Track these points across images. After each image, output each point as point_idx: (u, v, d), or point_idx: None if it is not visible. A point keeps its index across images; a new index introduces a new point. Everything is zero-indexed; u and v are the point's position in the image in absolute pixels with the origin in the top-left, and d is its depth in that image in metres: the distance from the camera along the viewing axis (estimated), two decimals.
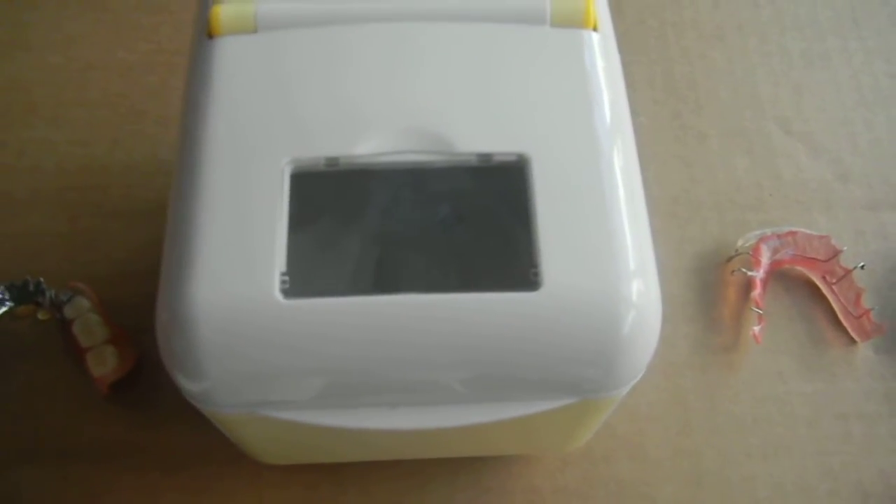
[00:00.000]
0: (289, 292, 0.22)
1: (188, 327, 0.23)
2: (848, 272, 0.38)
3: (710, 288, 0.39)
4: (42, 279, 0.37)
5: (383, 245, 0.26)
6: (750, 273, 0.38)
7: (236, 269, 0.22)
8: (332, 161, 0.24)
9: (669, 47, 0.46)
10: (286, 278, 0.22)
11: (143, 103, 0.44)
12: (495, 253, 0.25)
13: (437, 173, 0.24)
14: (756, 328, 0.37)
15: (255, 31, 0.26)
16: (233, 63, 0.25)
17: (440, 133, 0.24)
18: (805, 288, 0.39)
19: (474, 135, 0.24)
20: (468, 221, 0.26)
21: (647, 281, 0.24)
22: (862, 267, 0.38)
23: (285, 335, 0.22)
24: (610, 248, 0.23)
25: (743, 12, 0.47)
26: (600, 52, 0.27)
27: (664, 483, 0.35)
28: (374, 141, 0.24)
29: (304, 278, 0.23)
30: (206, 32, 0.26)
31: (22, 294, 0.37)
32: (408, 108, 0.24)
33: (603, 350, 0.23)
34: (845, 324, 0.38)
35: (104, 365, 0.35)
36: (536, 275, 0.23)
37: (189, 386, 0.24)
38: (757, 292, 0.37)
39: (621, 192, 0.24)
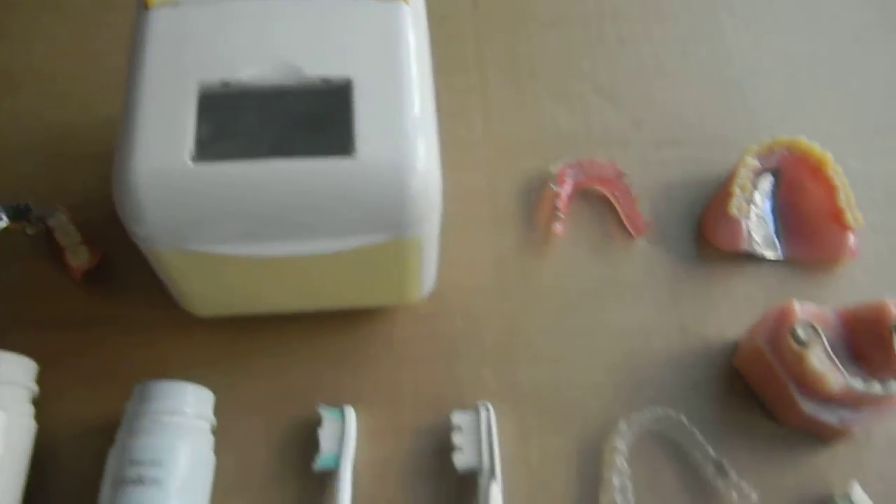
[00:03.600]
0: (195, 160, 0.36)
1: (132, 188, 0.36)
2: (628, 187, 0.52)
3: (533, 202, 0.53)
4: (30, 202, 0.50)
5: (258, 130, 0.39)
6: (556, 188, 0.52)
7: (162, 147, 0.36)
8: (225, 83, 0.37)
9: (516, 32, 0.60)
10: (194, 151, 0.36)
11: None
12: (330, 133, 0.38)
13: (295, 89, 0.38)
14: (557, 226, 0.51)
15: (177, 4, 0.39)
16: (161, 25, 0.39)
17: (296, 65, 0.38)
18: (600, 201, 0.53)
19: (319, 66, 0.38)
20: (315, 116, 0.39)
21: (430, 160, 0.38)
22: (632, 184, 0.52)
23: (194, 188, 0.36)
24: (405, 135, 0.37)
25: (572, 5, 0.61)
26: (410, 19, 0.40)
27: (487, 333, 0.48)
28: (254, 69, 0.37)
29: (205, 151, 0.36)
30: (144, 6, 0.39)
31: (16, 213, 0.50)
32: (276, 52, 0.38)
33: (398, 199, 0.37)
34: (627, 224, 0.52)
35: (79, 258, 0.48)
36: (354, 147, 0.36)
37: (138, 230, 0.37)
38: (560, 201, 0.51)
39: (416, 103, 0.38)
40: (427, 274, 0.44)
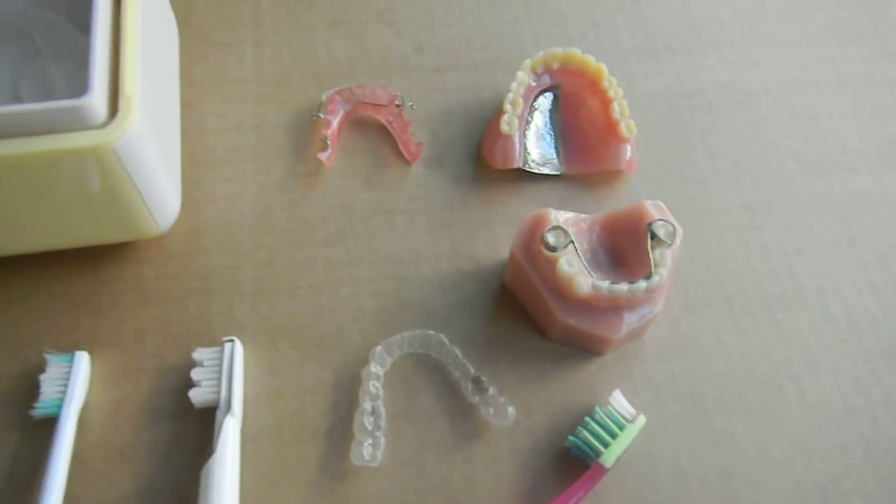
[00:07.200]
0: None
1: None
2: (400, 111, 0.50)
3: (304, 134, 0.50)
4: None
5: None
6: (324, 116, 0.49)
7: None
8: None
9: None
10: None
11: None
12: None
13: None
14: (323, 155, 0.48)
15: None
16: None
17: None
18: (375, 129, 0.51)
19: None
20: None
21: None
22: (412, 106, 0.50)
23: None
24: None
25: None
26: None
27: (246, 266, 0.45)
28: None
29: None
30: None
31: None
32: None
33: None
34: (402, 150, 0.50)
35: None
36: None
37: None
38: (330, 131, 0.49)
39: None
40: (156, 199, 0.40)
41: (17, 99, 0.39)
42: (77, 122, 0.34)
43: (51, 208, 0.38)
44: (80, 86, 0.37)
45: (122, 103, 0.35)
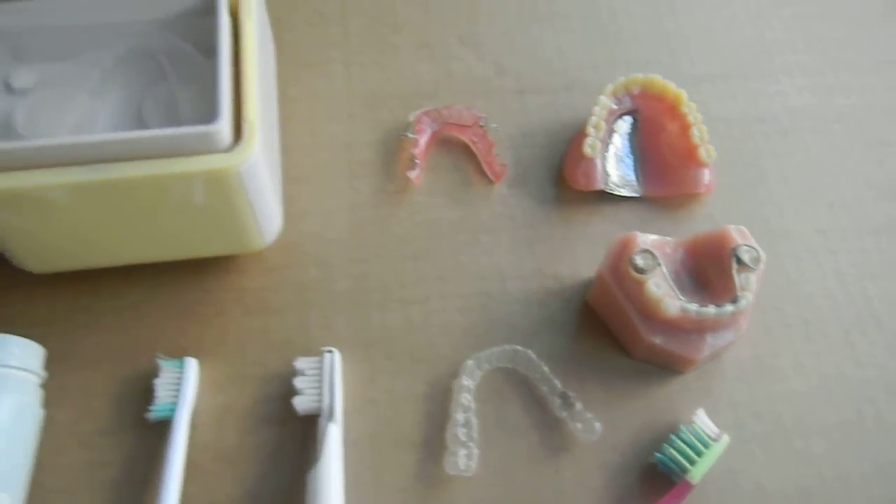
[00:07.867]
0: None
1: None
2: (485, 132, 0.52)
3: (392, 152, 0.52)
4: None
5: None
6: (412, 136, 0.51)
7: None
8: None
9: None
10: None
11: None
12: None
13: None
14: (412, 173, 0.50)
15: None
16: None
17: None
18: (460, 148, 0.53)
19: None
20: None
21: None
22: (495, 128, 0.52)
23: None
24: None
25: None
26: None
27: (340, 280, 0.48)
28: None
29: None
30: None
31: None
32: None
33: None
34: (486, 170, 0.52)
35: None
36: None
37: None
38: (418, 150, 0.51)
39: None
40: (265, 216, 0.43)
41: (141, 120, 0.41)
42: (205, 146, 0.37)
43: (169, 224, 0.41)
44: (202, 108, 0.40)
45: (245, 128, 0.38)
